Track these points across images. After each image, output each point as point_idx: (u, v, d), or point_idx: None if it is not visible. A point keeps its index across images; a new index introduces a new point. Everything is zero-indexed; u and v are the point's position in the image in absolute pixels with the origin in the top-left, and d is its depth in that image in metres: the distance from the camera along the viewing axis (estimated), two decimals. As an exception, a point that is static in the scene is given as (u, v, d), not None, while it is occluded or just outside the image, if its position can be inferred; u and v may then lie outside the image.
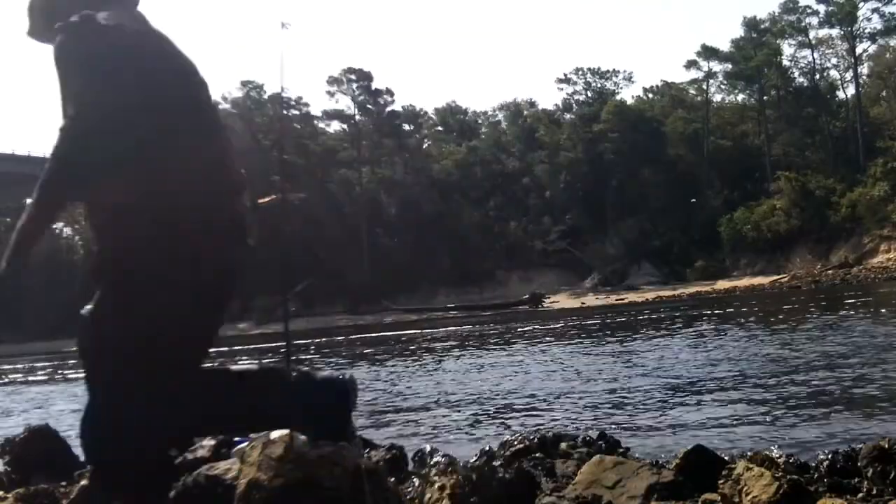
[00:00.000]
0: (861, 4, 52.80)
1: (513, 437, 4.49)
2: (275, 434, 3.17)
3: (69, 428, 3.89)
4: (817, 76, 57.43)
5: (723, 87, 60.57)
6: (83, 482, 2.97)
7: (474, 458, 4.14)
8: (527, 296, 43.93)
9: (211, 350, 2.39)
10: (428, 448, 4.64)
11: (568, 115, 62.66)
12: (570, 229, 56.19)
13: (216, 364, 2.52)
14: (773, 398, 6.84)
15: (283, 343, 2.86)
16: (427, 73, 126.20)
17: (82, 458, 3.05)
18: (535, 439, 4.39)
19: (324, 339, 24.39)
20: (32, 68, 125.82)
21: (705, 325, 17.08)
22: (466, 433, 6.23)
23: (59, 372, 18.18)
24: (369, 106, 59.36)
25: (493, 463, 2.98)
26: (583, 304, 41.59)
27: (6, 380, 17.39)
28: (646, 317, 23.02)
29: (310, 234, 49.63)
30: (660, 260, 51.61)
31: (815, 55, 57.07)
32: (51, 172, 2.06)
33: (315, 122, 60.93)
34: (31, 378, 17.93)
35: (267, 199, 2.59)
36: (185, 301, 2.16)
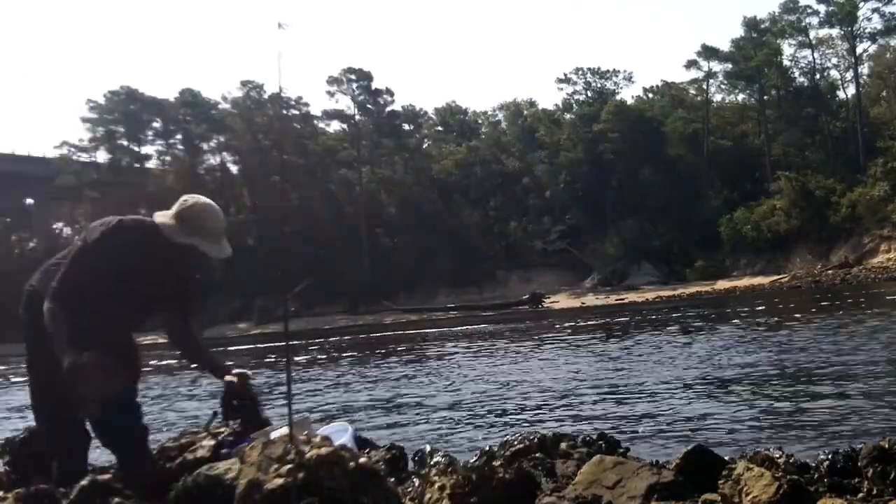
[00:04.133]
0: (861, 4, 52.73)
1: (513, 437, 4.49)
2: (275, 434, 3.17)
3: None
4: (817, 76, 57.33)
5: (723, 87, 60.51)
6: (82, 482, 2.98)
7: (474, 458, 4.14)
8: (527, 296, 43.88)
9: None
10: (428, 448, 4.64)
11: (568, 115, 62.55)
12: (570, 229, 56.10)
13: None
14: (773, 398, 6.84)
15: (283, 343, 2.86)
16: (427, 73, 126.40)
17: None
18: (535, 439, 4.39)
19: (323, 340, 24.38)
20: (32, 68, 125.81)
21: (705, 325, 17.08)
22: (466, 433, 6.23)
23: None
24: (369, 106, 59.26)
25: (493, 463, 2.97)
26: (583, 304, 41.56)
27: (6, 380, 17.39)
28: (646, 317, 23.02)
29: (310, 234, 49.66)
30: (660, 260, 51.54)
31: (815, 55, 57.01)
32: None
33: (315, 122, 60.83)
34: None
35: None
36: None
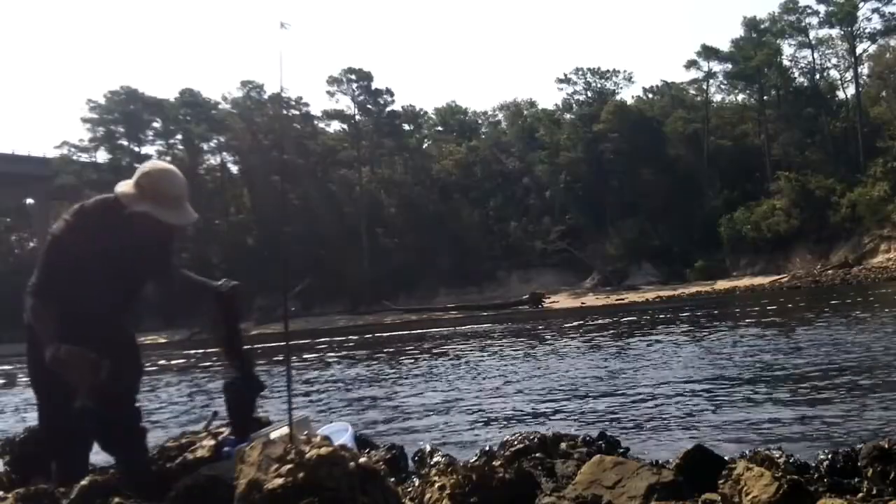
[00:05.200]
0: (861, 4, 52.74)
1: (513, 437, 4.49)
2: (275, 434, 3.17)
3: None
4: (817, 76, 57.37)
5: (723, 87, 60.51)
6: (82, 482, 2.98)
7: (474, 458, 4.14)
8: (527, 296, 43.90)
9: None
10: (428, 448, 4.64)
11: (568, 115, 62.58)
12: (570, 229, 56.10)
13: None
14: (773, 398, 6.84)
15: (283, 343, 2.87)
16: (427, 73, 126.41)
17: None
18: (535, 439, 4.39)
19: (330, 339, 24.37)
20: (32, 68, 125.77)
21: (705, 325, 17.08)
22: (466, 433, 6.23)
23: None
24: (369, 106, 59.24)
25: (493, 463, 2.97)
26: (583, 304, 41.57)
27: (10, 380, 17.39)
28: (645, 317, 23.02)
29: (310, 234, 49.64)
30: (660, 260, 51.54)
31: (815, 55, 57.05)
32: None
33: (315, 122, 60.82)
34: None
35: None
36: None
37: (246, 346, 3.64)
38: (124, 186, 3.24)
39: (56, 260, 3.13)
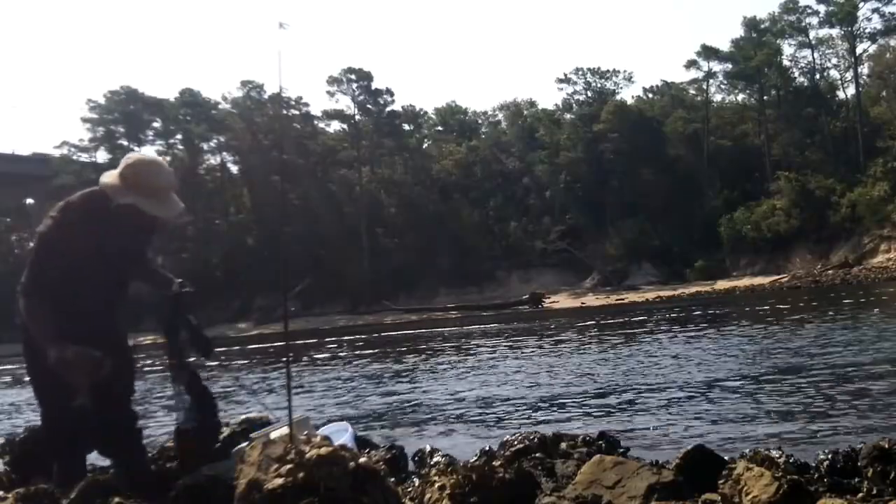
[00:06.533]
0: (861, 4, 52.69)
1: (513, 437, 4.49)
2: (275, 434, 3.17)
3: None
4: (817, 76, 57.34)
5: (723, 87, 60.44)
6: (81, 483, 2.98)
7: (474, 458, 4.14)
8: (526, 296, 43.89)
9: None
10: (428, 448, 4.65)
11: (568, 115, 62.56)
12: (570, 229, 56.08)
13: None
14: (773, 398, 6.84)
15: (283, 343, 2.87)
16: (427, 73, 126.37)
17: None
18: (535, 439, 4.39)
19: (323, 340, 24.37)
20: (32, 68, 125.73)
21: (705, 325, 17.07)
22: (466, 433, 6.23)
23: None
24: (369, 106, 59.18)
25: (493, 463, 2.97)
26: (583, 304, 41.55)
27: (6, 379, 17.39)
28: (645, 317, 23.01)
29: (310, 234, 49.62)
30: (660, 260, 51.51)
31: (815, 55, 57.00)
32: None
33: (315, 122, 60.76)
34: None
35: None
36: None
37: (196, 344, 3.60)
38: (109, 177, 3.21)
39: (45, 258, 3.10)
